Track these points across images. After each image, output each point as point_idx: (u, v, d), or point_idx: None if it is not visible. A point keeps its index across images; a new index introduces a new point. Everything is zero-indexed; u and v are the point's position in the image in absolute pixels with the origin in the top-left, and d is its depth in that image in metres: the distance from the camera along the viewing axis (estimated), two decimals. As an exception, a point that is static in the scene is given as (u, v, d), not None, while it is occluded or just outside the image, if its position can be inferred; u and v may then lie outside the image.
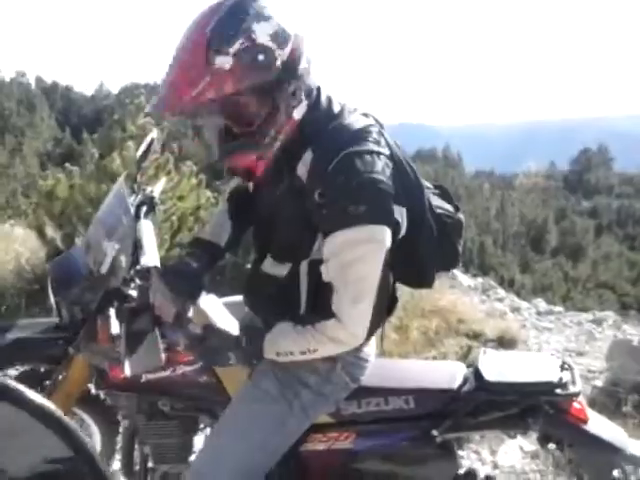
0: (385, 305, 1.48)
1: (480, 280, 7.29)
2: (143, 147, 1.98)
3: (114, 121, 4.70)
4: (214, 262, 1.75)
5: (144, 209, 1.94)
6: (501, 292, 7.04)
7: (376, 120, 1.51)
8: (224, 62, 1.31)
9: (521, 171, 53.53)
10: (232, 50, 1.31)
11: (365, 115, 1.51)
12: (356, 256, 1.34)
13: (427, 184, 1.65)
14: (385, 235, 1.36)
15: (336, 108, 1.48)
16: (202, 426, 1.84)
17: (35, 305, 3.73)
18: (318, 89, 1.48)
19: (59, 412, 1.41)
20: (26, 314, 3.67)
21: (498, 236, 29.89)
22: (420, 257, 1.57)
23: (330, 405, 1.63)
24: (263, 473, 1.63)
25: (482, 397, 1.62)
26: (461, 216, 1.68)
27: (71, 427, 1.40)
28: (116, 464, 2.40)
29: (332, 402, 1.62)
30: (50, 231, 4.21)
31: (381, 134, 1.46)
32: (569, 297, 20.04)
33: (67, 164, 4.79)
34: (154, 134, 2.07)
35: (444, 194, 1.70)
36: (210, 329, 1.53)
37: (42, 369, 2.05)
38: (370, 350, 1.69)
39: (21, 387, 1.41)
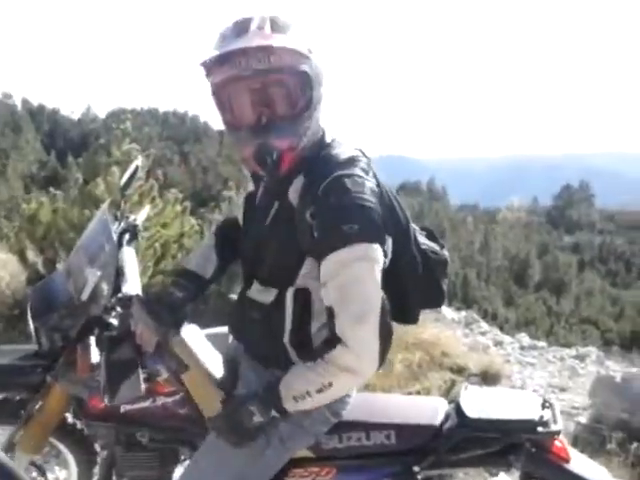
0: (391, 331, 1.41)
1: (463, 313, 7.30)
2: (127, 174, 1.99)
3: (99, 146, 4.71)
4: (198, 293, 1.74)
5: (127, 237, 1.94)
6: (484, 326, 7.05)
7: (364, 154, 1.55)
8: (285, 39, 1.39)
9: (504, 206, 54.22)
10: (291, 33, 1.41)
11: (355, 149, 1.54)
12: (353, 276, 1.34)
13: (414, 226, 1.67)
14: (379, 254, 1.37)
15: (328, 139, 1.54)
16: (182, 458, 1.81)
17: (14, 329, 3.67)
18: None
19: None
20: (5, 338, 3.60)
21: (482, 269, 30.08)
22: (404, 292, 1.58)
23: (309, 438, 1.60)
24: (241, 507, 1.61)
25: (464, 433, 1.61)
26: (446, 254, 1.70)
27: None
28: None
29: (311, 435, 1.60)
30: (31, 255, 4.16)
31: (369, 166, 1.51)
32: (552, 332, 20.12)
33: (51, 188, 4.77)
34: (138, 161, 2.08)
35: (430, 235, 1.72)
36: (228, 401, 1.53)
37: (18, 397, 2.00)
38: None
39: None
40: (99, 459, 2.17)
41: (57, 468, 2.35)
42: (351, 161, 1.46)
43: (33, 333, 1.75)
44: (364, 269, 1.35)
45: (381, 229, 1.39)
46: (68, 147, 36.56)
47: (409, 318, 1.67)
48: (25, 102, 45.30)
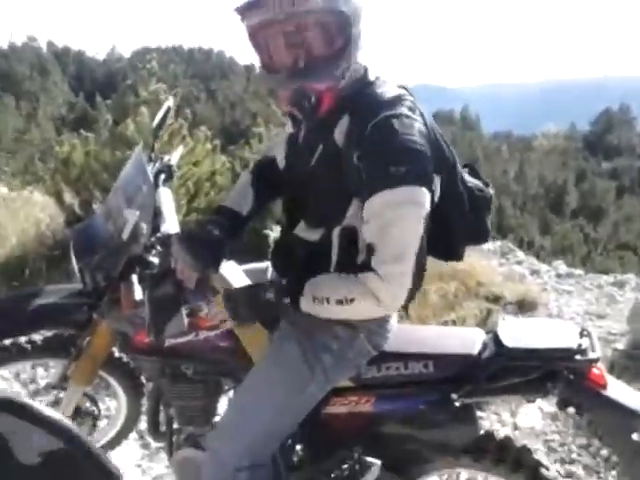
0: (423, 271, 1.43)
1: (499, 243, 7.21)
2: (159, 116, 1.98)
3: (127, 87, 4.67)
4: (236, 230, 1.75)
5: (162, 177, 1.95)
6: (520, 254, 6.98)
7: (409, 92, 1.51)
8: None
9: (540, 132, 52.65)
10: None
11: (399, 87, 1.51)
12: (396, 217, 1.33)
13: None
14: (425, 198, 1.35)
15: (371, 76, 1.51)
16: (226, 389, 1.88)
17: (56, 269, 3.78)
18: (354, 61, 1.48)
19: (40, 406, 1.41)
20: (47, 279, 3.72)
21: (517, 198, 29.61)
22: (450, 229, 1.57)
23: (351, 370, 1.65)
24: (285, 435, 1.68)
25: (501, 363, 1.62)
26: (491, 191, 1.68)
27: (55, 418, 1.40)
28: (142, 424, 2.48)
29: (353, 367, 1.64)
30: (68, 197, 4.24)
31: (415, 104, 1.47)
32: (589, 259, 19.86)
33: (82, 130, 4.79)
34: (170, 102, 2.06)
35: (473, 171, 1.70)
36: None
37: (68, 333, 2.08)
38: (393, 319, 1.71)
39: None
40: (145, 390, 2.28)
41: (107, 398, 2.46)
42: (397, 100, 1.43)
43: (77, 273, 1.80)
44: (407, 212, 1.34)
45: (428, 172, 1.37)
46: (95, 88, 36.55)
47: (453, 255, 1.67)
48: (50, 45, 45.12)
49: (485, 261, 5.25)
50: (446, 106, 62.19)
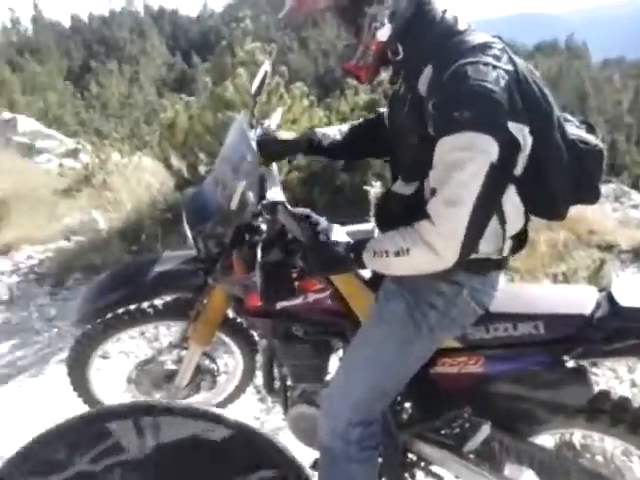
0: (483, 227, 1.38)
1: (612, 186, 6.73)
2: (257, 80, 2.00)
3: (223, 48, 4.74)
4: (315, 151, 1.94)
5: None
6: (636, 198, 6.49)
7: (500, 39, 1.46)
8: None
9: (658, 56, 48.06)
10: None
11: (490, 35, 1.46)
12: (456, 162, 1.31)
13: (570, 118, 1.60)
14: (489, 146, 1.30)
15: (462, 26, 1.48)
16: (335, 348, 1.94)
17: (170, 233, 3.99)
18: (444, 10, 1.50)
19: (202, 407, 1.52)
20: (163, 242, 3.95)
21: (632, 132, 27.41)
22: (550, 186, 1.50)
23: (456, 328, 1.65)
24: (394, 394, 1.72)
25: (616, 323, 1.56)
26: (601, 145, 1.58)
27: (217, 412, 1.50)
28: (259, 380, 2.63)
29: (458, 326, 1.64)
30: (175, 161, 4.43)
31: (504, 51, 1.42)
32: None
33: (182, 93, 4.95)
34: (267, 66, 2.07)
35: (589, 128, 1.61)
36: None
37: (186, 297, 2.23)
38: (497, 277, 1.68)
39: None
40: (260, 348, 2.41)
41: (225, 356, 2.62)
42: (481, 48, 1.39)
43: (191, 241, 1.90)
44: (466, 157, 1.30)
45: (498, 120, 1.32)
46: (191, 46, 37.36)
47: (554, 214, 1.61)
48: (147, 7, 46.33)
49: (597, 206, 4.95)
50: (548, 35, 58.10)
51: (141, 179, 5.09)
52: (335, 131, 1.97)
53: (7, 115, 11.88)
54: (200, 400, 2.51)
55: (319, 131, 1.96)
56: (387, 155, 1.81)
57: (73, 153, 8.12)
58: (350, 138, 1.93)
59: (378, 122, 1.88)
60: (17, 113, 12.12)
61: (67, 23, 42.34)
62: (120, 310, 2.20)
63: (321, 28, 34.35)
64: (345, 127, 1.99)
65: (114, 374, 2.56)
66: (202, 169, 4.29)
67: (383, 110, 1.89)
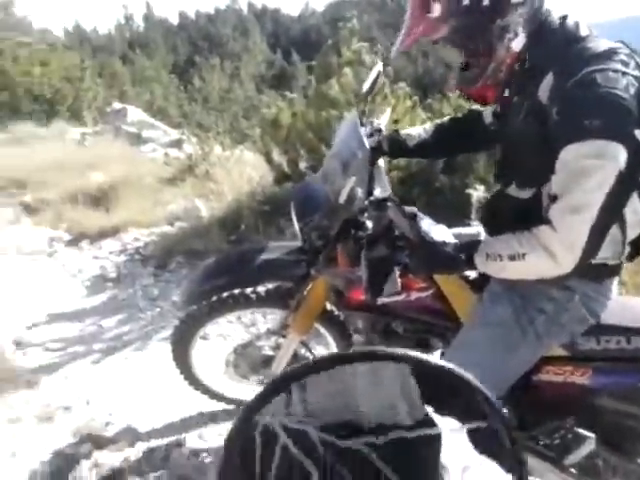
0: (604, 235, 1.34)
1: None
2: (370, 80, 2.03)
3: (328, 46, 4.81)
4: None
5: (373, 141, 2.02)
6: None
7: (626, 45, 1.41)
8: (435, 10, 1.43)
9: None
10: None
11: (615, 41, 1.43)
12: (584, 169, 1.28)
13: None
14: (618, 154, 1.27)
15: (583, 32, 1.45)
16: (434, 347, 1.94)
17: (268, 224, 4.11)
18: (564, 16, 1.48)
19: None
20: (261, 233, 4.07)
21: None
22: None
23: (564, 336, 1.61)
24: (495, 396, 1.70)
25: None
26: None
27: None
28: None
29: (567, 333, 1.60)
30: (277, 156, 4.55)
31: (632, 57, 1.38)
32: None
33: (280, 89, 5.06)
34: (379, 67, 2.10)
35: None
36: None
37: (287, 286, 2.30)
38: (611, 285, 1.62)
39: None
40: (353, 342, 2.44)
41: (320, 347, 2.67)
42: (608, 54, 1.35)
43: (298, 232, 1.96)
44: (597, 165, 1.27)
45: (627, 128, 1.28)
46: (291, 44, 38.04)
47: None
48: (250, 5, 47.66)
49: None
50: (666, 41, 54.26)
51: (242, 172, 5.26)
52: (419, 131, 2.01)
53: (118, 105, 12.63)
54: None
55: (403, 132, 2.02)
56: (480, 151, 1.83)
57: (177, 143, 8.51)
58: (439, 136, 1.98)
59: (473, 120, 1.93)
60: (127, 104, 12.85)
61: (175, 20, 44.32)
62: (225, 294, 2.30)
63: (421, 28, 33.97)
64: (429, 126, 2.04)
65: (212, 355, 2.68)
66: (302, 165, 4.39)
67: (481, 109, 1.91)
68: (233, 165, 5.71)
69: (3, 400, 2.78)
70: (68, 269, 4.45)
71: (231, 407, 2.64)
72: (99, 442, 2.49)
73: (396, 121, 3.98)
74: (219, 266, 2.37)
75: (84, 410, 2.73)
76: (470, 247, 1.49)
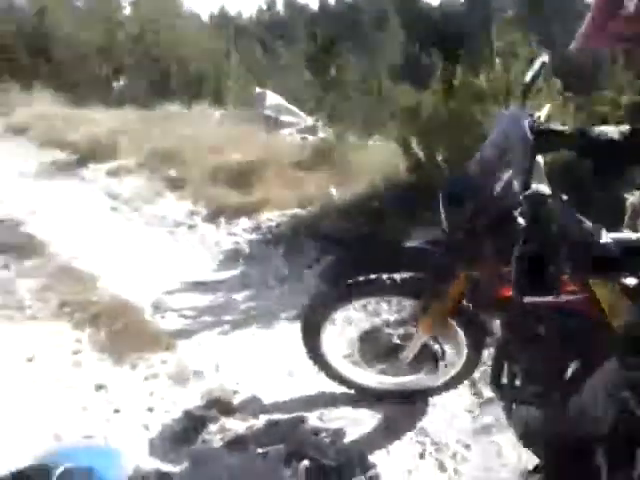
0: None
1: None
2: (533, 71, 1.93)
3: (477, 37, 4.64)
4: None
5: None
6: None
7: None
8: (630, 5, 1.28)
9: None
10: None
11: None
12: None
13: None
14: None
15: None
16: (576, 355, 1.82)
17: (404, 214, 4.02)
18: None
19: None
20: (399, 222, 3.98)
21: None
22: None
23: None
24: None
25: None
26: None
27: None
28: (476, 374, 2.59)
29: None
30: (415, 146, 4.47)
31: None
32: None
33: (423, 84, 4.95)
34: (545, 58, 1.99)
35: None
36: None
37: (421, 277, 2.25)
38: None
39: None
40: (487, 342, 2.35)
41: (451, 343, 2.59)
42: None
43: (444, 222, 1.90)
44: None
45: None
46: (429, 34, 37.42)
47: None
48: (393, -6, 47.39)
49: None
50: None
51: (376, 160, 5.24)
52: (612, 130, 1.82)
53: (257, 89, 13.06)
54: (414, 380, 2.54)
55: (595, 128, 1.84)
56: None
57: (312, 129, 8.65)
58: (636, 140, 1.76)
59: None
60: (265, 88, 13.27)
61: (315, 6, 45.15)
62: (360, 278, 2.30)
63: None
64: (625, 128, 1.83)
65: (340, 340, 2.70)
66: (439, 156, 4.29)
67: None
68: (367, 152, 5.71)
69: (144, 358, 2.99)
70: (205, 242, 4.69)
71: (352, 392, 2.65)
72: (226, 408, 2.60)
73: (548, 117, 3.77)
74: (355, 251, 2.38)
75: (214, 377, 2.87)
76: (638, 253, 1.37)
